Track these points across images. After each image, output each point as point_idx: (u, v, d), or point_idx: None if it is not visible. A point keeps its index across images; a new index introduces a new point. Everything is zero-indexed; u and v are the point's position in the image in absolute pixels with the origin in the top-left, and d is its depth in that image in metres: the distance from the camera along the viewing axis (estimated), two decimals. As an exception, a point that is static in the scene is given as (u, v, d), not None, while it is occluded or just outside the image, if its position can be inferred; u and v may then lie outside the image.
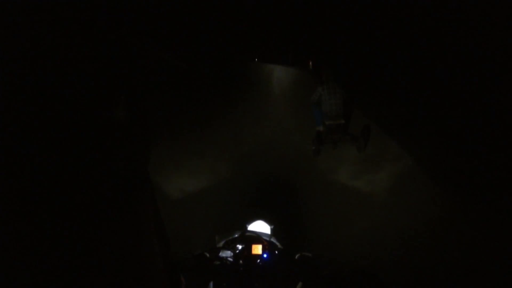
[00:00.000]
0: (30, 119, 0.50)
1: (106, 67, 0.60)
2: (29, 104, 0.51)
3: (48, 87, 0.52)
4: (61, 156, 0.52)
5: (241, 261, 1.62)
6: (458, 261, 2.68)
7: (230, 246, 1.74)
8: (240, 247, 1.71)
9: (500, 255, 2.51)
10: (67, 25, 0.56)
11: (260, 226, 2.07)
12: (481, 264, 2.56)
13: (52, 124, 0.52)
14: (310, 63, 6.59)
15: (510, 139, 3.15)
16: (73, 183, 0.53)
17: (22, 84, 0.50)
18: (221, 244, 1.79)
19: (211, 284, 1.57)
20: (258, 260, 1.62)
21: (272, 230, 2.06)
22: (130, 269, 0.61)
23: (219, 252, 1.70)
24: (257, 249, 1.64)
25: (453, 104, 3.84)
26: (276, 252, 1.70)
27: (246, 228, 2.03)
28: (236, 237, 1.80)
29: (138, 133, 0.68)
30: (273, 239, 1.88)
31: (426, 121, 4.07)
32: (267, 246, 1.69)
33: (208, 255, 1.65)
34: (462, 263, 2.65)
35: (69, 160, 0.53)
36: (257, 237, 1.76)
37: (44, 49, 0.53)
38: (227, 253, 1.70)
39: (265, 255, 1.63)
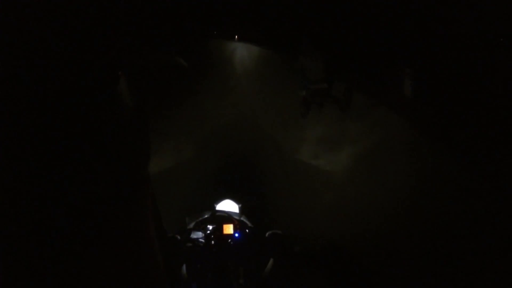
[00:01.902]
0: (31, 119, 0.47)
1: (107, 66, 0.57)
2: (29, 104, 0.47)
3: (49, 87, 0.49)
4: (61, 155, 0.49)
5: (212, 242, 1.62)
6: (423, 230, 2.89)
7: (201, 227, 1.73)
8: (210, 227, 1.71)
9: (476, 226, 2.70)
10: (67, 25, 0.52)
11: (228, 206, 2.07)
12: (444, 232, 2.76)
13: (53, 124, 0.49)
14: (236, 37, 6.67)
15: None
16: (73, 181, 0.50)
17: (22, 84, 0.46)
18: (191, 225, 1.77)
19: (184, 266, 1.56)
20: (230, 240, 1.63)
21: (240, 209, 2.08)
22: (131, 266, 0.60)
23: (190, 234, 1.68)
24: (229, 228, 1.65)
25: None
26: (247, 230, 1.72)
27: (214, 208, 2.02)
28: (207, 218, 1.79)
29: (138, 133, 0.65)
30: (243, 218, 1.89)
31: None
32: (238, 225, 1.70)
33: (179, 237, 1.63)
34: (427, 231, 2.85)
35: (69, 160, 0.50)
36: (228, 217, 1.76)
37: (45, 48, 0.49)
38: (198, 234, 1.69)
39: (236, 234, 1.64)
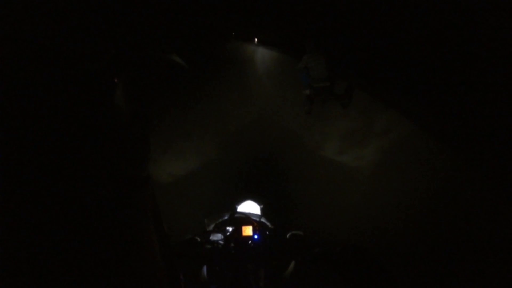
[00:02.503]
0: (28, 118, 0.47)
1: (107, 64, 0.56)
2: (28, 103, 0.47)
3: (47, 86, 0.49)
4: (61, 154, 0.49)
5: (232, 244, 1.60)
6: (448, 231, 2.75)
7: (220, 229, 1.72)
8: (230, 229, 1.69)
9: (494, 225, 2.56)
10: (65, 23, 0.52)
11: (249, 206, 2.05)
12: (472, 233, 2.62)
13: (52, 123, 0.49)
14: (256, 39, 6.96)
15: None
16: (72, 181, 0.50)
17: (20, 83, 0.46)
18: (211, 227, 1.76)
19: (205, 268, 1.55)
20: (249, 242, 1.60)
21: (261, 209, 2.04)
22: (130, 268, 0.59)
23: (209, 236, 1.67)
24: (248, 230, 1.62)
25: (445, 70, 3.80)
26: (267, 232, 1.68)
27: (235, 209, 2.00)
28: (226, 219, 1.77)
29: (139, 131, 0.64)
30: (263, 219, 1.85)
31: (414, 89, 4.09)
32: (257, 226, 1.67)
33: (199, 239, 1.62)
34: (452, 234, 2.71)
35: (69, 159, 0.50)
36: (246, 218, 1.73)
37: (42, 47, 0.49)
38: (217, 236, 1.67)
39: (256, 236, 1.61)
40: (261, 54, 6.57)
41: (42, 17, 0.50)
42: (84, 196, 0.51)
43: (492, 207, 2.67)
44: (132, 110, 0.61)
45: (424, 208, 3.05)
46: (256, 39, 6.87)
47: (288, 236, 1.65)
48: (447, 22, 3.62)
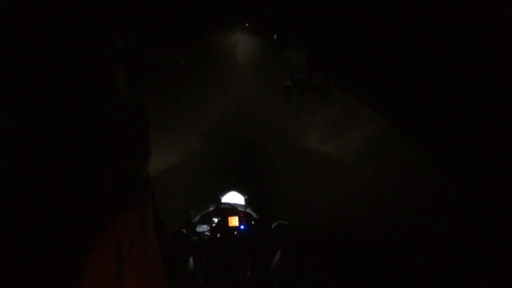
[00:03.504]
0: (29, 118, 0.45)
1: (107, 63, 0.55)
2: (28, 103, 0.46)
3: (47, 85, 0.48)
4: (61, 154, 0.48)
5: (218, 235, 1.59)
6: (431, 219, 2.85)
7: (206, 220, 1.70)
8: (216, 220, 1.68)
9: (473, 212, 2.68)
10: (65, 21, 0.50)
11: (233, 197, 2.04)
12: (453, 221, 2.73)
13: (51, 123, 0.47)
14: (275, 36, 6.91)
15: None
16: (72, 181, 0.50)
17: (19, 82, 0.46)
18: (196, 218, 1.74)
19: (191, 259, 1.54)
20: (236, 232, 1.60)
21: (246, 200, 2.04)
22: (130, 267, 0.59)
23: (195, 227, 1.65)
24: (234, 221, 1.62)
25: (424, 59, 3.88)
26: (253, 222, 1.69)
27: (220, 200, 1.99)
28: (212, 211, 1.76)
29: (139, 131, 0.63)
30: (248, 210, 1.85)
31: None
32: (244, 217, 1.66)
33: (184, 231, 1.60)
34: (436, 222, 2.82)
35: (69, 159, 0.49)
36: (232, 209, 1.73)
37: (42, 46, 0.47)
38: (203, 228, 1.66)
39: (242, 227, 1.61)
40: (243, 45, 6.53)
41: (41, 14, 0.48)
42: (84, 196, 0.50)
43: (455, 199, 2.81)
44: (133, 109, 0.60)
45: (409, 197, 3.15)
46: (275, 36, 6.78)
47: (273, 226, 1.66)
48: (426, 23, 3.69)
